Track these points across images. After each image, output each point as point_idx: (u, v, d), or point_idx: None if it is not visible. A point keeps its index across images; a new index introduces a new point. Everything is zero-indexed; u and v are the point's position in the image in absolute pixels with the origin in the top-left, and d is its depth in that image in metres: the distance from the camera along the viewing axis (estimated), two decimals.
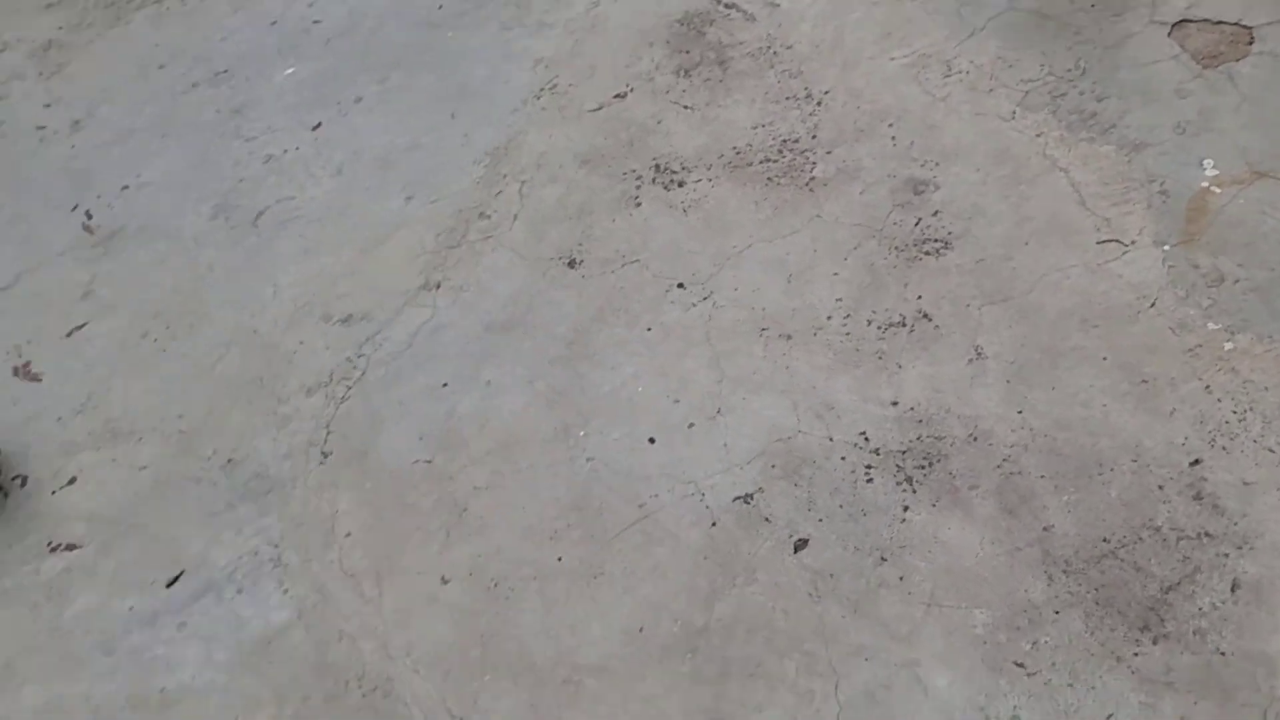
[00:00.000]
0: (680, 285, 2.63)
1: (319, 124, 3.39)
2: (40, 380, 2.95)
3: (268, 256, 3.07)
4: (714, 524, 2.23)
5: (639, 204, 2.84)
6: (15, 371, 3.00)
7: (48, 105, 3.78)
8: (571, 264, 2.77)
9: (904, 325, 2.41)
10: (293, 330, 2.86)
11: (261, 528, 2.48)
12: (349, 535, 2.41)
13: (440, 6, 3.63)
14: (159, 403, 2.80)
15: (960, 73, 2.81)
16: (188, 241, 3.19)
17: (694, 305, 2.58)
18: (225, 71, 3.68)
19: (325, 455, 2.57)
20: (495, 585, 2.25)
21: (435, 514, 2.39)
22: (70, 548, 2.56)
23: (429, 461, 2.48)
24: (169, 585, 2.43)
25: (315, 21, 3.70)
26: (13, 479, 2.73)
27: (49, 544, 2.58)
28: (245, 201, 3.25)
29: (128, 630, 2.38)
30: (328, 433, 2.61)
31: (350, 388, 2.69)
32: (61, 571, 2.52)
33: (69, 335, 3.04)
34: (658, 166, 2.91)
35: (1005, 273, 2.43)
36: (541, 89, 3.25)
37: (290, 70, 3.61)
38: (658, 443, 2.38)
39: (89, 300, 3.12)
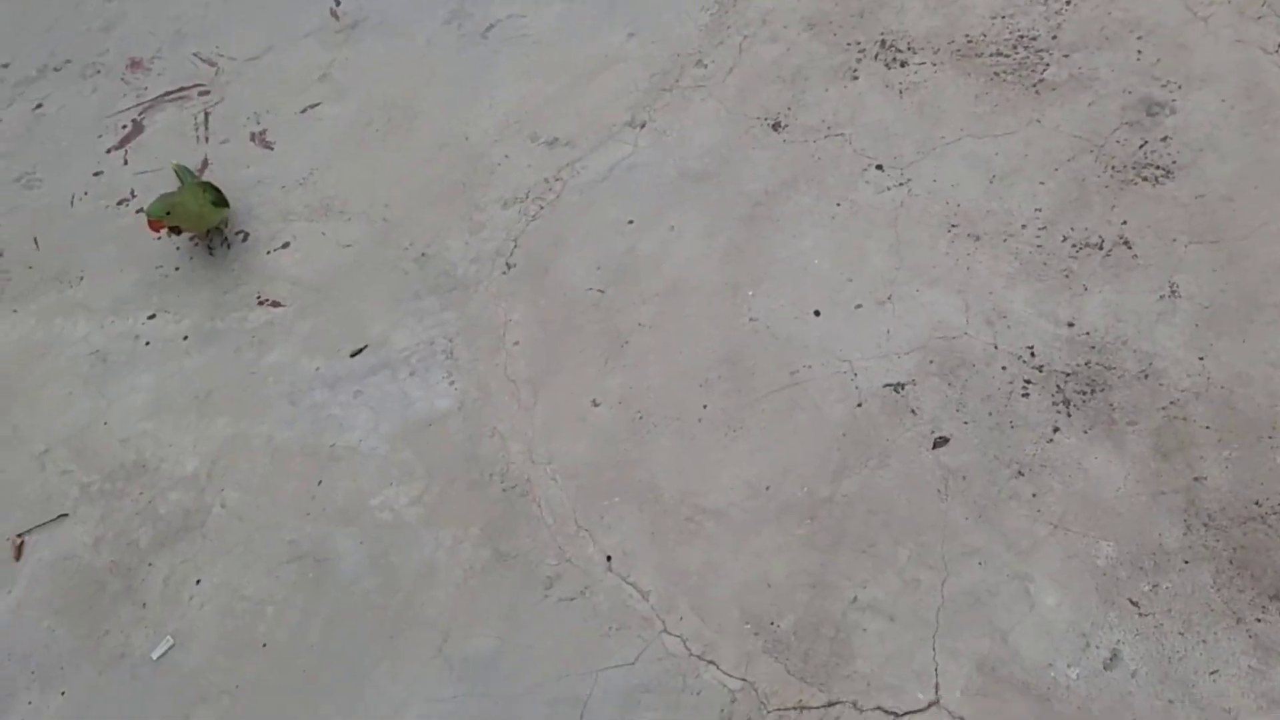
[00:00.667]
0: (879, 167, 2.60)
1: None
2: (272, 149, 3.19)
3: (490, 69, 3.18)
4: (859, 405, 2.26)
5: (855, 77, 2.79)
6: (252, 137, 3.24)
7: None
8: (775, 126, 2.77)
9: (1100, 248, 2.33)
10: (500, 144, 2.98)
11: (441, 321, 2.66)
12: (516, 344, 2.56)
13: None
14: (370, 189, 2.99)
15: None
16: (420, 42, 3.33)
17: (888, 189, 2.55)
18: None
19: (509, 266, 2.71)
20: (640, 418, 2.36)
21: (598, 341, 2.51)
22: (275, 304, 2.81)
23: (601, 291, 2.59)
24: (352, 355, 2.65)
25: None
26: (235, 233, 2.99)
27: (258, 297, 2.84)
28: (479, 11, 3.35)
29: (311, 387, 2.62)
30: (514, 246, 2.75)
31: (543, 208, 2.80)
32: (264, 324, 2.78)
33: (302, 112, 3.26)
34: (883, 42, 2.84)
35: (1223, 213, 2.30)
36: None
37: None
38: (821, 316, 2.41)
39: (325, 83, 3.32)
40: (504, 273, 2.71)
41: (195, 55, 3.54)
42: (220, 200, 2.91)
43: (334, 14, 3.50)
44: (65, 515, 2.55)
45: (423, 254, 2.81)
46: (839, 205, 2.57)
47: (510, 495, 2.33)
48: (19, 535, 2.54)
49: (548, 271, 2.68)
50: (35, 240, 3.17)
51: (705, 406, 2.35)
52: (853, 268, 2.45)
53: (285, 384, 2.65)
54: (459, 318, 2.66)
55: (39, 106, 3.55)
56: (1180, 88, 2.50)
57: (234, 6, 3.61)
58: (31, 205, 3.27)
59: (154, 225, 2.70)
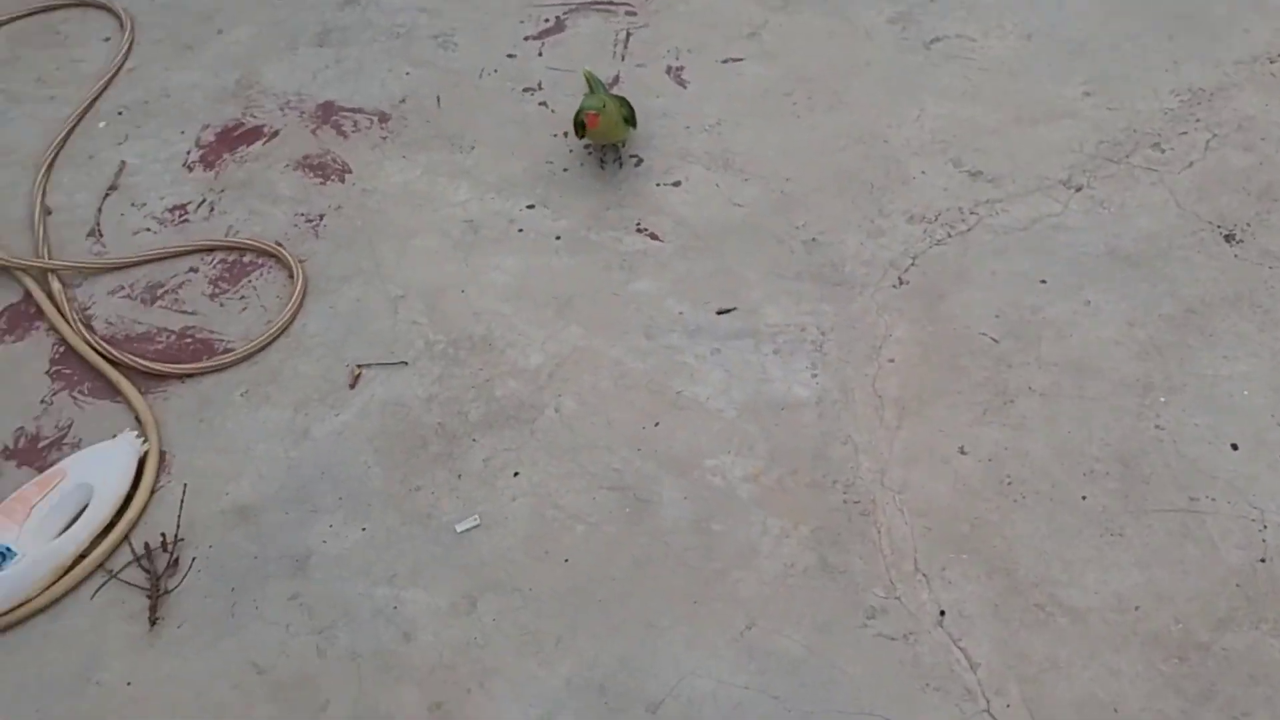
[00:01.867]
0: None
1: None
2: (685, 87, 3.16)
3: (926, 80, 3.07)
4: (1263, 560, 2.05)
5: None
6: (668, 70, 3.23)
7: None
8: (1229, 238, 2.56)
9: None
10: (920, 158, 2.86)
11: (817, 310, 2.56)
12: (892, 361, 2.44)
13: None
14: (775, 157, 2.93)
15: None
16: (859, 31, 3.25)
17: None
18: None
19: (901, 281, 2.60)
20: (1009, 483, 2.21)
21: (980, 389, 2.36)
22: (653, 237, 2.78)
23: (995, 340, 2.45)
24: (720, 313, 2.59)
25: None
26: (630, 155, 2.97)
27: (638, 224, 2.81)
28: (928, 22, 3.24)
29: (671, 328, 2.57)
30: (911, 263, 2.63)
31: (950, 236, 2.67)
32: (638, 252, 2.75)
33: (724, 62, 3.22)
34: None
35: None
36: (1277, 56, 2.95)
37: None
38: (1239, 451, 2.20)
39: (753, 41, 3.28)
40: (895, 286, 2.59)
41: None
42: (631, 118, 2.90)
43: None
44: (405, 363, 2.58)
45: (814, 239, 2.72)
46: None
47: (850, 509, 2.22)
48: (359, 366, 2.59)
49: (942, 300, 2.55)
50: (438, 98, 3.24)
51: (1084, 498, 2.18)
52: None
53: (645, 316, 2.61)
54: (837, 314, 2.56)
55: None
56: None
57: None
58: (443, 65, 3.34)
59: (591, 120, 2.71)
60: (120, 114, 3.38)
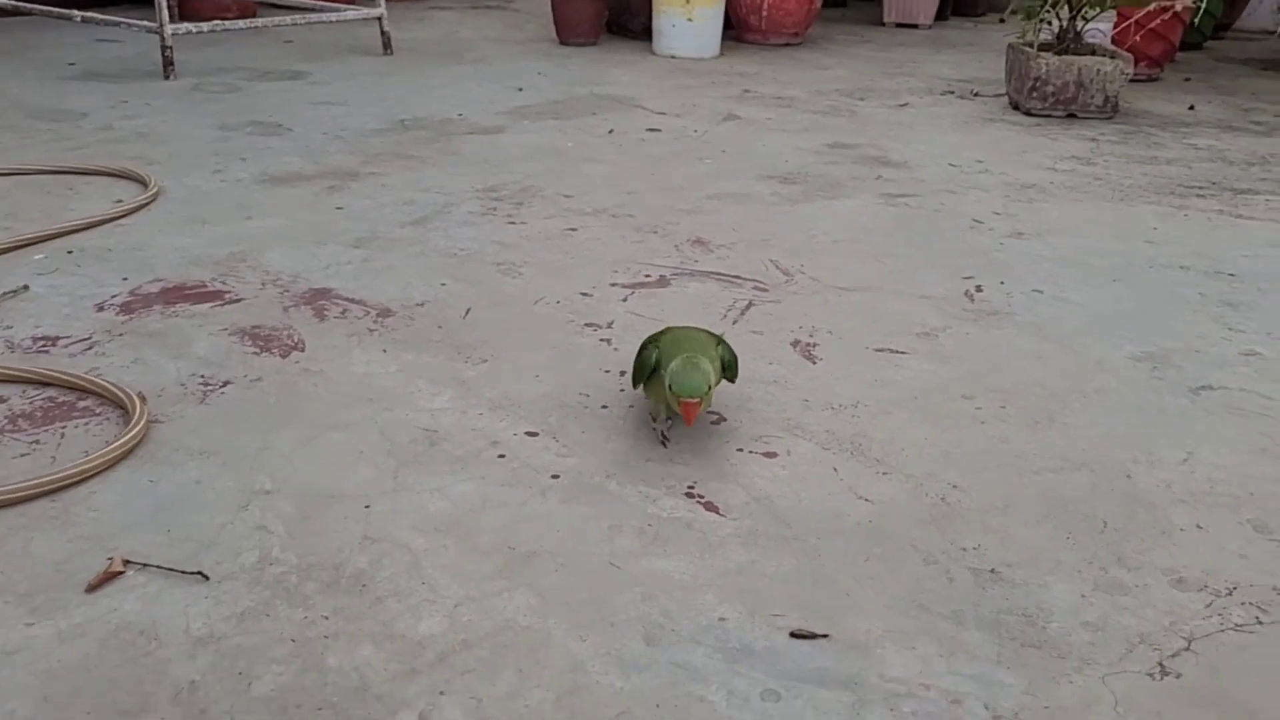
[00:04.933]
0: None
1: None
2: (813, 364, 2.12)
3: (1191, 424, 1.93)
4: None
5: None
6: (795, 344, 2.22)
7: None
8: None
9: None
10: (1187, 507, 1.65)
11: (987, 678, 1.27)
12: None
13: None
14: (935, 459, 1.77)
15: None
16: (1087, 359, 2.19)
17: None
18: None
19: (1163, 671, 1.30)
20: None
21: None
22: (710, 508, 1.64)
23: None
24: (794, 636, 1.36)
25: None
26: (709, 413, 1.88)
27: (688, 488, 1.69)
28: (1189, 366, 2.16)
29: (695, 639, 1.37)
30: (1186, 647, 1.34)
31: (1261, 622, 1.39)
32: (677, 521, 1.60)
33: (876, 351, 2.19)
34: None
35: None
36: None
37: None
38: None
39: (924, 340, 2.25)
40: (1153, 677, 1.29)
41: (772, 261, 2.67)
42: (732, 365, 1.84)
43: (969, 296, 2.49)
44: (204, 577, 1.41)
45: (993, 570, 1.49)
46: None
47: None
48: (126, 562, 1.41)
49: (1254, 718, 1.22)
50: (467, 310, 2.29)
51: None
52: None
53: (656, 610, 1.40)
54: (1027, 692, 1.26)
55: (572, 229, 2.83)
56: None
57: (847, 248, 2.75)
58: (492, 286, 2.45)
59: (688, 411, 1.67)
60: (70, 253, 2.58)
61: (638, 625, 1.36)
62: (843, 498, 1.66)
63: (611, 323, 2.29)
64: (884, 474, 1.74)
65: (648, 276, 2.56)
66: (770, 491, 1.67)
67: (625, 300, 2.41)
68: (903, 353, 2.20)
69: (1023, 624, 1.39)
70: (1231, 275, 2.70)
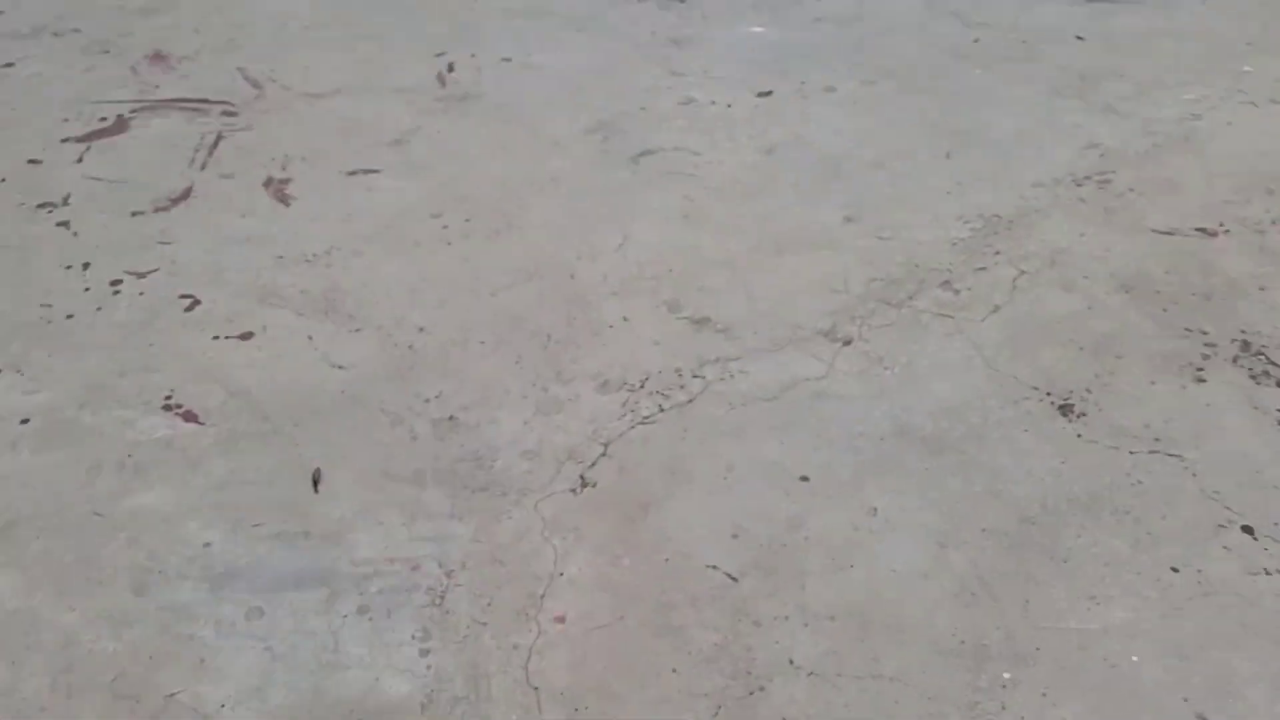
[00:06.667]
0: (1247, 529, 1.51)
1: (769, 92, 2.51)
2: (287, 205, 2.15)
3: (632, 202, 2.18)
4: None
5: (1202, 380, 1.75)
6: (268, 183, 2.22)
7: None
8: (1065, 409, 1.70)
9: None
10: (620, 300, 1.93)
11: (443, 534, 1.53)
12: (560, 622, 1.40)
13: (976, 40, 2.72)
14: (406, 299, 1.92)
15: None
16: (545, 140, 2.35)
17: (1267, 574, 1.45)
18: (682, 1, 2.89)
19: (584, 483, 1.59)
20: None
21: (709, 668, 1.35)
22: (188, 417, 1.69)
23: (733, 579, 1.45)
24: (276, 539, 1.48)
25: None
26: (183, 297, 1.90)
27: (166, 398, 1.73)
28: (634, 130, 2.39)
29: (184, 574, 1.50)
30: (602, 454, 1.64)
31: (663, 410, 1.71)
32: (156, 443, 1.66)
33: (349, 174, 2.24)
34: (1245, 344, 1.82)
35: None
36: (1087, 177, 2.24)
37: (759, 29, 2.78)
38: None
39: (396, 150, 2.32)
40: (574, 491, 1.57)
41: (240, 70, 2.56)
42: None
43: (440, 79, 2.54)
44: None
45: (451, 417, 1.69)
46: (1176, 572, 1.45)
47: None
48: None
49: (647, 513, 1.55)
50: None
51: None
52: (1207, 691, 1.31)
53: (142, 553, 1.49)
54: (476, 539, 1.51)
55: (9, 65, 2.55)
56: None
57: (319, 35, 2.68)
58: None
59: None
60: None
61: (126, 576, 1.47)
62: (318, 370, 1.79)
63: (68, 197, 2.17)
64: (356, 331, 1.87)
65: (103, 120, 2.40)
66: (247, 382, 1.76)
67: (81, 160, 2.27)
68: (375, 171, 2.26)
69: (474, 469, 1.62)
70: (682, 2, 2.89)
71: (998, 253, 2.04)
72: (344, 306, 1.91)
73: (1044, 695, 1.32)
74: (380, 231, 2.08)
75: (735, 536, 1.51)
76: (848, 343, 1.84)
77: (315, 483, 1.58)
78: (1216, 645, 1.36)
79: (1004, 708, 1.31)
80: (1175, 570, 1.47)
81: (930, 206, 2.17)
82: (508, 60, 2.63)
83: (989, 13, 2.89)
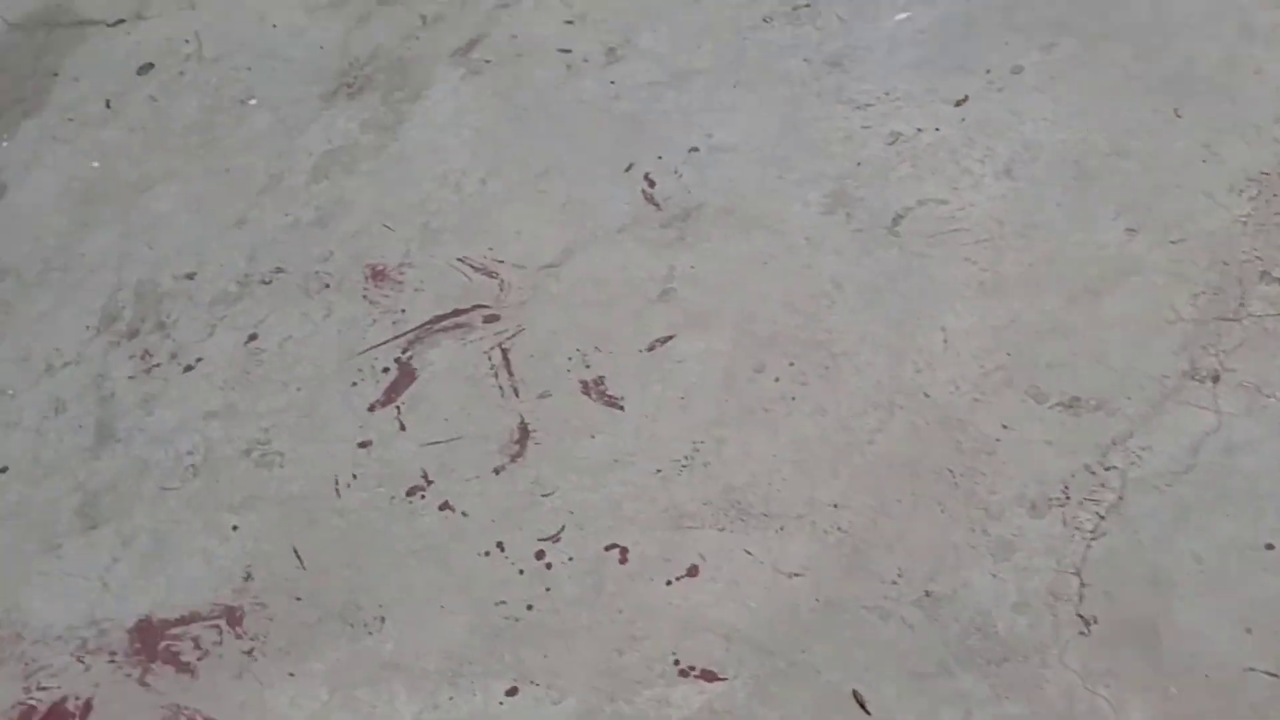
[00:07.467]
0: None
1: (964, 98, 2.54)
2: (621, 408, 2.27)
3: (921, 281, 2.28)
4: None
5: None
6: (585, 388, 2.32)
7: (569, 22, 3.06)
8: None
9: None
10: (985, 404, 2.07)
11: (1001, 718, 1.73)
12: None
13: None
14: (794, 477, 2.07)
15: None
16: (796, 238, 2.43)
17: None
18: (807, 5, 2.87)
19: (1086, 622, 1.79)
20: None
21: None
22: (708, 677, 1.88)
23: (1274, 675, 1.66)
24: None
25: None
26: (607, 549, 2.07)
27: (674, 660, 1.91)
28: (872, 195, 2.46)
29: None
30: (1080, 583, 1.83)
31: (1102, 516, 1.88)
32: (698, 713, 1.85)
33: (647, 350, 2.35)
34: None
35: None
36: None
37: (904, 15, 2.77)
38: None
39: (668, 302, 2.41)
40: (1082, 633, 1.78)
41: (463, 262, 2.63)
42: None
43: (649, 198, 2.60)
44: None
45: (927, 593, 1.89)
46: None
47: None
48: None
49: (1159, 634, 1.75)
50: (295, 551, 2.24)
51: None
52: None
53: None
54: (1033, 715, 1.72)
55: (253, 338, 2.63)
56: None
57: (501, 189, 2.71)
58: (276, 493, 2.34)
59: None
60: None
61: None
62: (778, 584, 1.97)
63: (425, 473, 2.31)
64: (781, 530, 2.04)
65: (385, 371, 2.50)
66: (731, 620, 1.95)
67: (404, 429, 2.39)
68: (670, 338, 2.37)
69: (983, 641, 1.83)
70: (808, 7, 2.87)
71: None
72: (751, 506, 2.08)
73: None
74: (723, 408, 2.21)
75: (1249, 630, 1.72)
76: (1216, 379, 1.99)
77: (861, 705, 1.80)
78: None
79: None
80: None
81: (1194, 183, 2.25)
82: (695, 150, 2.66)
83: None
